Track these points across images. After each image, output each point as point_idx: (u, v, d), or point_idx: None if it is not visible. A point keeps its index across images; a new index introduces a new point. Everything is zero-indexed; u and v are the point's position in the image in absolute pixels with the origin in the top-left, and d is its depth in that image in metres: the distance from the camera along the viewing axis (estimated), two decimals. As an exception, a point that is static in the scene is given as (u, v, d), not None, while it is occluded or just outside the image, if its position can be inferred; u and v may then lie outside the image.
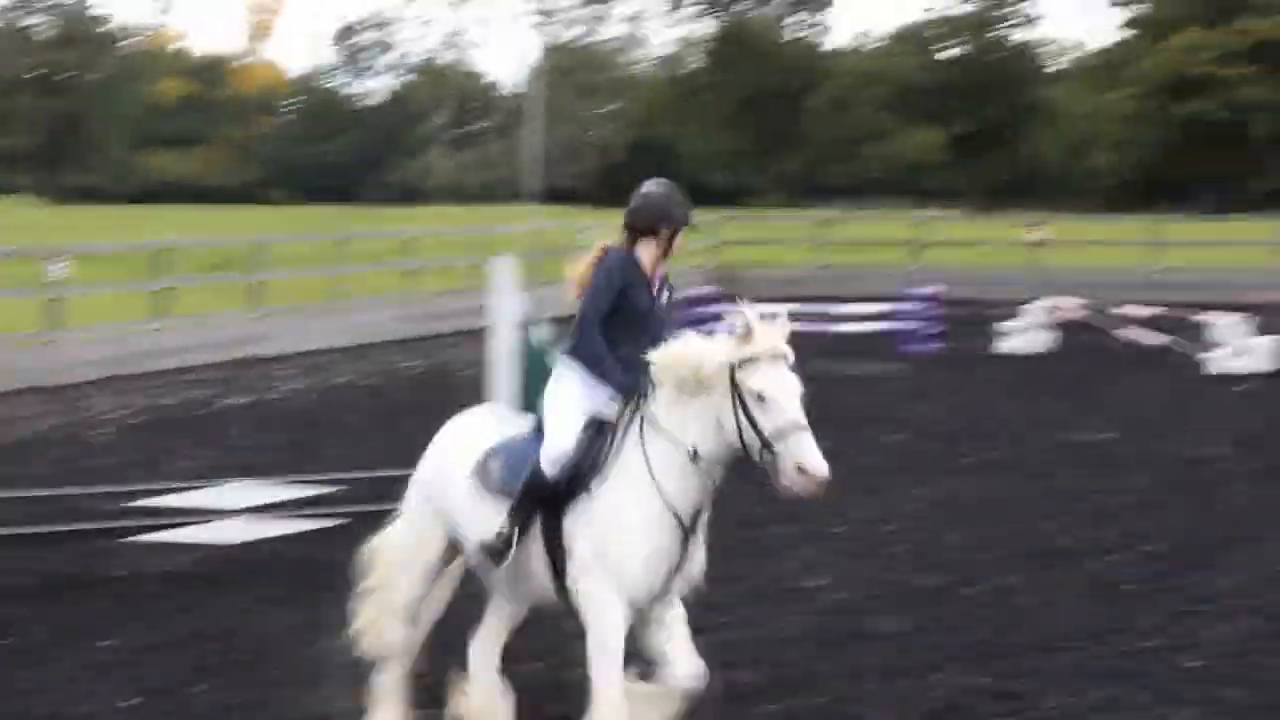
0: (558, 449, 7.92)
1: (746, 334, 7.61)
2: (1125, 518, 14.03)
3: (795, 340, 7.69)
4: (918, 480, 15.90)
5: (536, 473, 7.91)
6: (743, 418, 7.58)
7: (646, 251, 8.13)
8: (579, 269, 8.17)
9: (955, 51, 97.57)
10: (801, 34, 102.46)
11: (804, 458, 7.44)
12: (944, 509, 14.54)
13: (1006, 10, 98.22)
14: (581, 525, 7.82)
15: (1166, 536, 13.28)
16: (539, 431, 8.09)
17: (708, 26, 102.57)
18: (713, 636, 8.83)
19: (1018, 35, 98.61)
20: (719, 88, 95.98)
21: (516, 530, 7.94)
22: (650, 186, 8.24)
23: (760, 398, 7.56)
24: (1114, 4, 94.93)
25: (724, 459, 7.71)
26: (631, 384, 7.95)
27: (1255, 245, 39.96)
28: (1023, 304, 28.30)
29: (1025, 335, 27.36)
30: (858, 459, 15.97)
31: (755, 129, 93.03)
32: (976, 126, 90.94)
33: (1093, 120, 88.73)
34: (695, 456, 7.69)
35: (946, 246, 42.69)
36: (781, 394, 7.57)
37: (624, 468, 7.81)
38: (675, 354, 7.74)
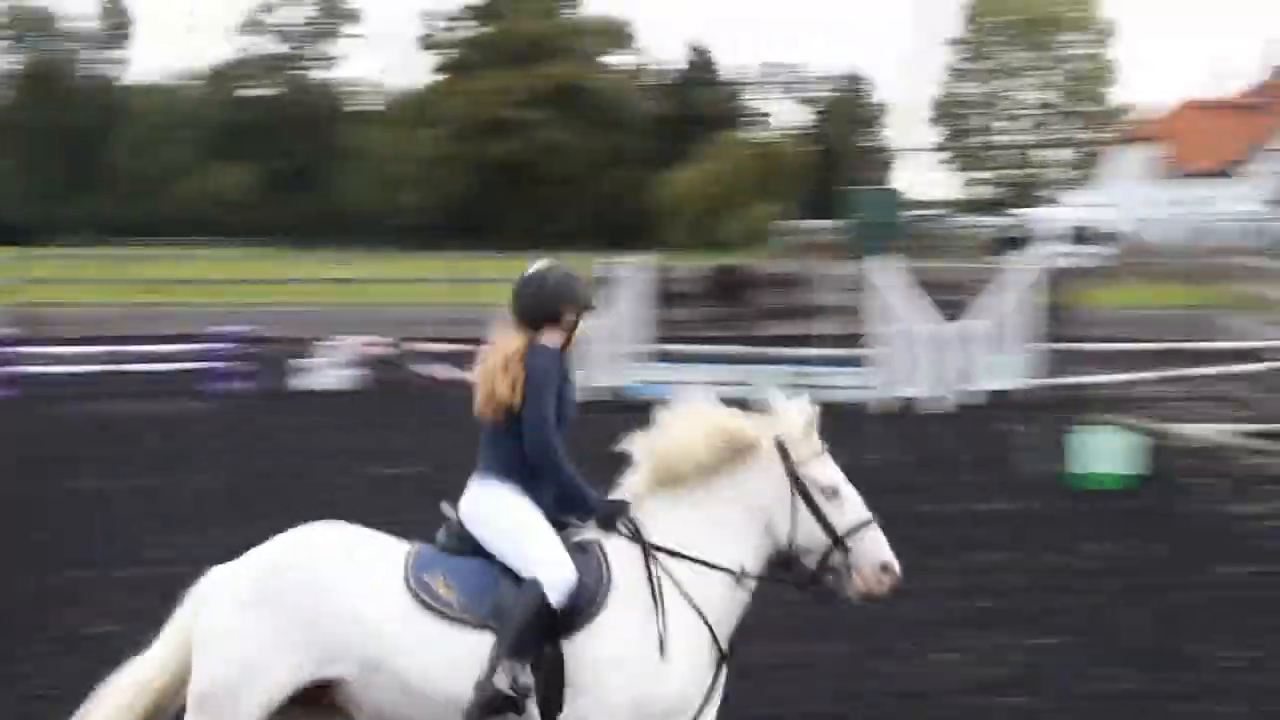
0: (562, 575, 6.79)
1: (810, 425, 6.98)
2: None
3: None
4: (225, 521, 15.76)
5: (540, 601, 6.73)
6: (807, 516, 6.90)
7: (551, 342, 7.18)
8: (493, 378, 7.05)
9: (264, 91, 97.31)
10: (104, 70, 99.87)
11: (887, 556, 6.87)
12: (243, 551, 14.44)
13: (312, 50, 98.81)
14: (596, 664, 6.74)
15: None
16: (475, 551, 6.99)
17: (10, 61, 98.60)
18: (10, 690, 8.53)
19: (325, 75, 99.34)
20: (24, 124, 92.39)
21: (532, 676, 6.70)
22: (542, 268, 7.36)
23: (834, 493, 6.91)
24: (424, 47, 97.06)
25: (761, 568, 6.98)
26: (608, 503, 7.05)
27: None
28: (330, 341, 28.50)
29: (333, 373, 27.56)
30: (164, 500, 15.77)
31: (61, 166, 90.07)
32: (286, 165, 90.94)
33: (402, 160, 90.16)
34: (743, 577, 6.93)
35: (256, 284, 42.57)
36: (849, 487, 6.98)
37: (646, 596, 6.82)
38: (679, 441, 6.98)
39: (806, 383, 24.84)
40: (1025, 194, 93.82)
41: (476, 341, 26.18)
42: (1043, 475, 18.26)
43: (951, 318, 25.49)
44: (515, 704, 6.65)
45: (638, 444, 7.12)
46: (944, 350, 24.84)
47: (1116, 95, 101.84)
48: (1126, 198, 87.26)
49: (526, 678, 6.66)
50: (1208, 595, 12.91)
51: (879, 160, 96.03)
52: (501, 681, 6.64)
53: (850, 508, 6.92)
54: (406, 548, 7.04)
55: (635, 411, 23.61)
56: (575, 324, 7.24)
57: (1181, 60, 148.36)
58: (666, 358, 26.35)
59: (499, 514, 7.01)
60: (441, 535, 7.17)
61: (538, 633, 6.72)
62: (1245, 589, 13.26)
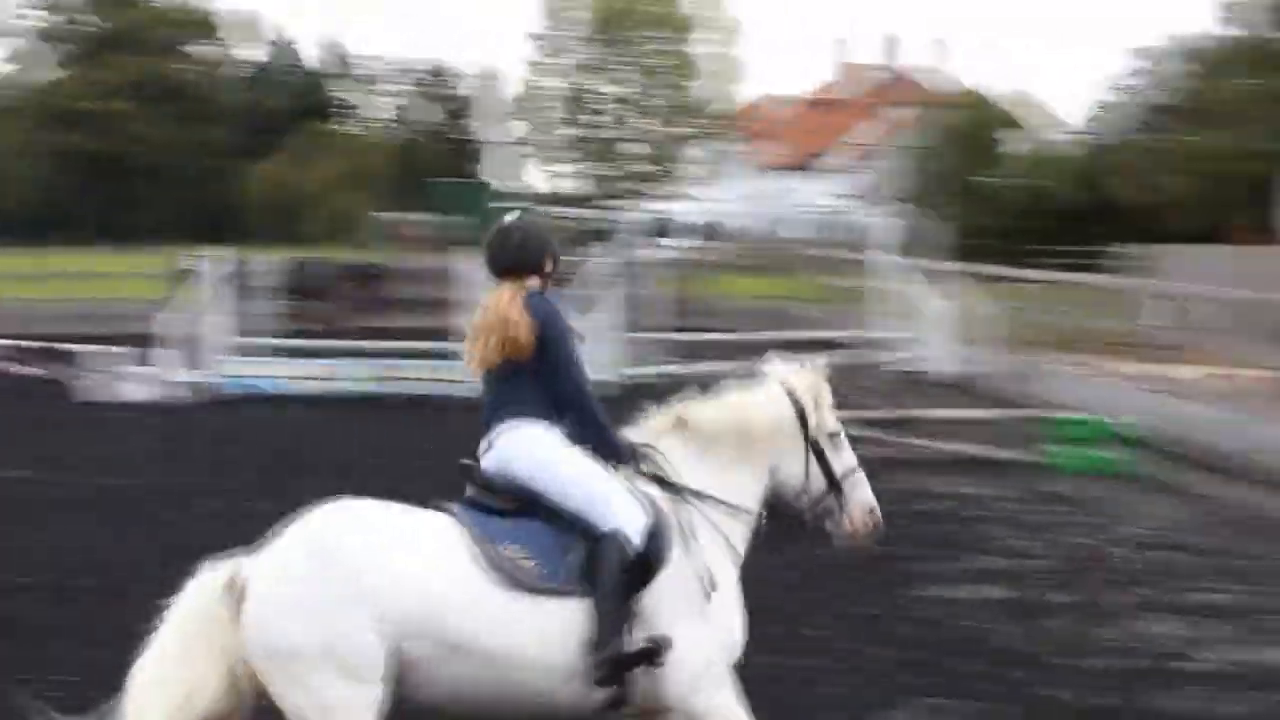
0: (638, 519, 6.73)
1: (824, 373, 7.36)
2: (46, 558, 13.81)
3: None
4: None
5: (625, 554, 6.63)
6: (814, 462, 7.17)
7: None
8: (502, 325, 6.96)
9: None
10: None
11: (873, 500, 7.25)
12: None
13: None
14: (669, 612, 6.73)
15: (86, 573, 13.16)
16: (530, 511, 6.76)
17: None
18: None
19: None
20: None
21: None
22: (519, 220, 7.30)
23: (836, 439, 7.24)
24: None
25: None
26: (633, 445, 7.10)
27: (137, 276, 40.49)
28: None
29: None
30: None
31: None
32: None
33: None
34: (763, 521, 7.20)
35: None
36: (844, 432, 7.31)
37: (703, 542, 6.90)
38: (728, 412, 7.15)
39: (394, 376, 24.84)
40: (611, 188, 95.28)
41: (53, 338, 25.38)
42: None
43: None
44: (638, 663, 6.64)
45: (673, 409, 7.23)
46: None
47: (699, 91, 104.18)
48: (710, 191, 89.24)
49: (640, 636, 6.65)
50: (798, 577, 13.22)
51: (467, 153, 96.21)
52: (620, 648, 6.58)
53: (845, 454, 7.28)
54: (448, 516, 6.75)
55: (225, 406, 23.15)
56: (552, 274, 7.23)
57: (763, 57, 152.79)
58: (251, 352, 25.98)
59: (553, 459, 6.84)
60: (472, 494, 6.91)
61: (630, 587, 6.64)
62: (821, 569, 13.61)
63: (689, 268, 50.81)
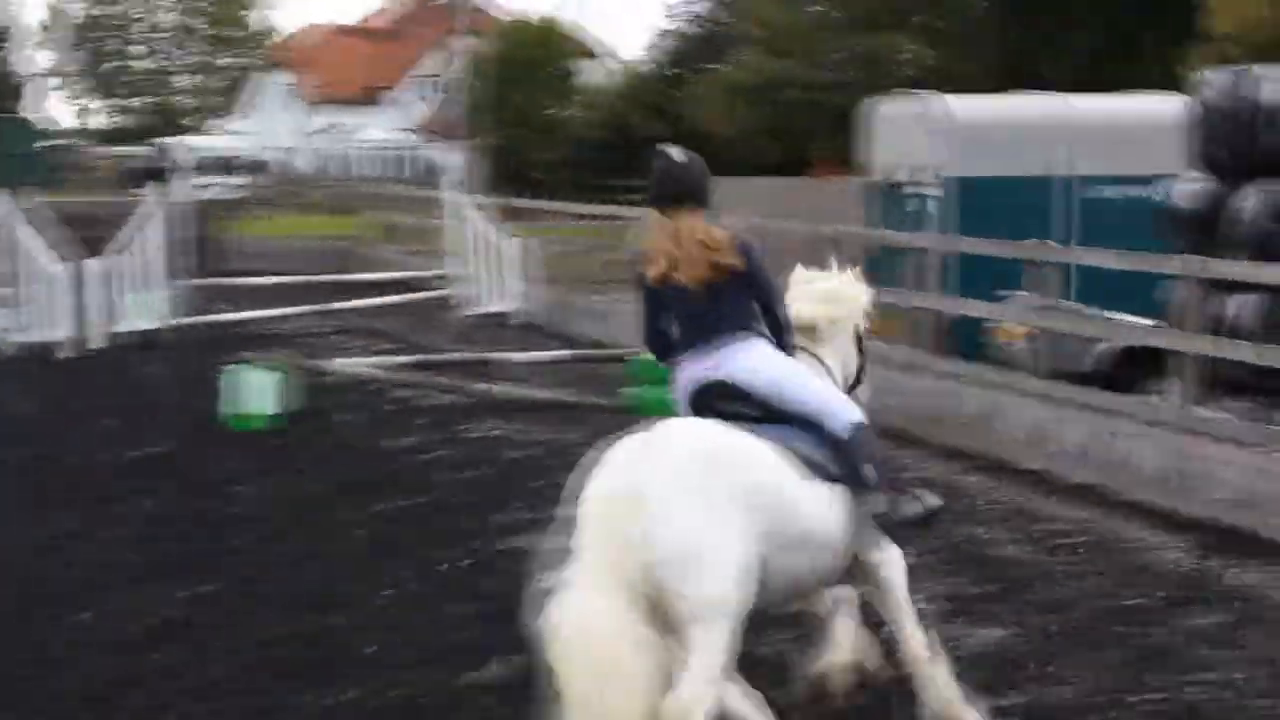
0: (858, 411, 7.50)
1: (861, 277, 8.17)
2: None
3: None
4: None
5: (872, 435, 7.44)
6: (856, 356, 8.06)
7: None
8: (713, 247, 7.37)
9: None
10: None
11: (869, 388, 8.23)
12: None
13: None
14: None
15: None
16: (777, 415, 7.23)
17: None
18: None
19: None
20: None
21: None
22: (684, 151, 7.60)
23: (868, 333, 8.11)
24: None
25: None
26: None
27: None
28: None
29: None
30: None
31: None
32: None
33: None
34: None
35: None
36: None
37: None
38: (835, 315, 7.89)
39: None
40: (166, 122, 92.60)
41: None
42: (193, 416, 17.82)
43: (92, 254, 24.51)
44: (927, 523, 7.55)
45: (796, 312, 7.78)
46: (85, 289, 23.84)
47: (258, 20, 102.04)
48: (271, 126, 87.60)
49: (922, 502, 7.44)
50: (368, 532, 12.82)
51: (6, 87, 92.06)
52: (913, 508, 7.40)
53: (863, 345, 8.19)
54: (732, 425, 7.09)
55: None
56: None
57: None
58: None
59: (785, 369, 7.38)
60: (721, 405, 7.29)
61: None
62: (402, 522, 13.26)
63: (253, 205, 49.71)
